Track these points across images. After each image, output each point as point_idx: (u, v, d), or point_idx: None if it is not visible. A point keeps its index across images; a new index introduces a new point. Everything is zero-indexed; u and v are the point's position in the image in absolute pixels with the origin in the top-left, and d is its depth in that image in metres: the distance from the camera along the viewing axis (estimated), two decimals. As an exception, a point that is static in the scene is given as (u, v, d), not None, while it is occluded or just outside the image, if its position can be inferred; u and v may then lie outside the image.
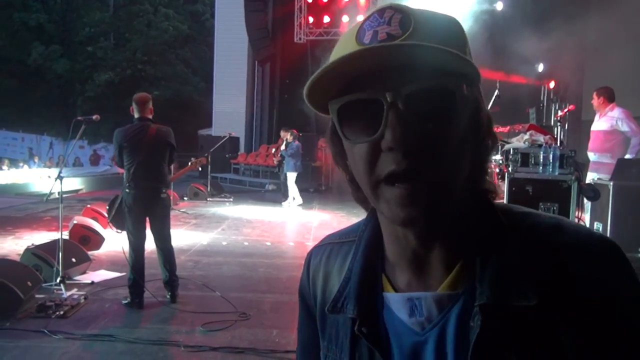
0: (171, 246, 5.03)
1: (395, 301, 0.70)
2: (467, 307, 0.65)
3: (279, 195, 13.02)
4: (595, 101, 6.22)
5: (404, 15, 0.63)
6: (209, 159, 12.41)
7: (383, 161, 0.62)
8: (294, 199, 12.10)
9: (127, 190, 4.78)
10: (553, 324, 0.62)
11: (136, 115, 4.88)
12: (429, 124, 0.61)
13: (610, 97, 6.18)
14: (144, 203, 4.81)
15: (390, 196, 0.62)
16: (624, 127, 6.02)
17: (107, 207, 5.04)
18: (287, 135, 12.17)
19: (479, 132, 0.67)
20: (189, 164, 6.44)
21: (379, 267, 0.74)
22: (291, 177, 11.99)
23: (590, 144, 6.28)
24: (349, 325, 0.74)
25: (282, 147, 12.20)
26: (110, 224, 5.01)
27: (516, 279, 0.64)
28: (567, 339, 0.61)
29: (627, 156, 5.96)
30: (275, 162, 13.95)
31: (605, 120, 6.14)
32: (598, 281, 0.62)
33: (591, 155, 6.26)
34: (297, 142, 12.02)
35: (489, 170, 0.72)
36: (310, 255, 0.87)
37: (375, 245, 0.75)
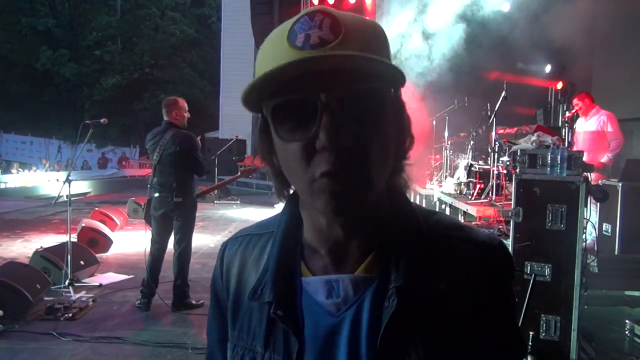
0: (182, 252, 4.89)
1: (314, 284, 0.74)
2: (381, 289, 0.71)
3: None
4: (582, 104, 6.43)
5: (334, 20, 0.66)
6: (217, 162, 12.46)
7: (317, 161, 0.65)
8: None
9: (151, 192, 4.86)
10: (453, 305, 0.71)
11: (164, 118, 4.94)
12: (361, 125, 0.65)
13: (593, 100, 6.42)
14: (160, 207, 4.82)
15: (324, 190, 0.65)
16: (608, 128, 6.21)
17: (144, 205, 5.15)
18: None
19: (402, 132, 0.73)
20: (239, 172, 6.43)
21: (298, 254, 0.78)
22: None
23: (580, 145, 6.31)
24: (265, 310, 0.76)
25: None
26: (145, 222, 5.05)
27: (428, 267, 0.72)
28: (461, 318, 0.71)
29: (609, 155, 6.16)
30: None
31: (593, 121, 6.32)
32: (487, 272, 0.73)
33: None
34: None
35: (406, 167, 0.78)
36: (226, 246, 0.89)
37: (294, 234, 0.79)
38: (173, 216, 4.84)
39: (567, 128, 6.34)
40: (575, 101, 6.52)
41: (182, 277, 4.87)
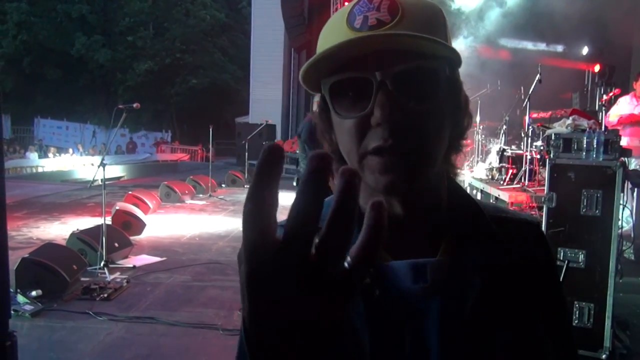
0: None
1: (399, 268, 0.72)
2: (460, 271, 0.72)
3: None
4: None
5: (392, 2, 0.67)
6: (247, 147, 12.55)
7: (371, 136, 0.67)
8: None
9: None
10: (527, 278, 0.74)
11: None
12: (415, 102, 0.66)
13: None
14: None
15: (374, 165, 0.67)
16: None
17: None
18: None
19: (458, 111, 0.74)
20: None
21: None
22: None
23: (628, 129, 6.11)
24: (358, 297, 0.73)
25: None
26: None
27: (500, 244, 0.74)
28: (534, 290, 0.75)
29: None
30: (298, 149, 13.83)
31: None
32: (542, 246, 0.81)
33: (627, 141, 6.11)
34: None
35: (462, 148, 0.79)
36: None
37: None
38: None
39: (604, 111, 6.16)
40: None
41: None
